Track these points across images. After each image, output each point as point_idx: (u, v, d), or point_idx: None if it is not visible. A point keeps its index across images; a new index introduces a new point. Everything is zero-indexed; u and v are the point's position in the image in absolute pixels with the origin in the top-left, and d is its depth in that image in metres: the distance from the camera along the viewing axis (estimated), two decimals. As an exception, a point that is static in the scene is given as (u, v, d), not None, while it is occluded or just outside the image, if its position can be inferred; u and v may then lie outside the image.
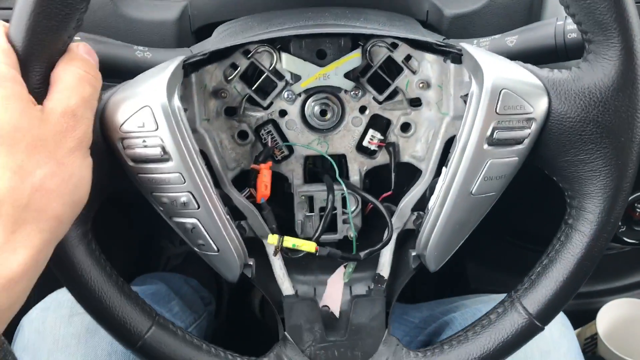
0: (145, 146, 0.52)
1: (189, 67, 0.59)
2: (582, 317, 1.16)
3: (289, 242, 0.60)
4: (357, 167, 0.68)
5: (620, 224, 0.83)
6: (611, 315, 1.14)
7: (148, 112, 0.51)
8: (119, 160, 0.54)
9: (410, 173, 0.68)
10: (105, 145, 0.53)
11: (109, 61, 0.62)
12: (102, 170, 0.54)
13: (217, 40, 0.68)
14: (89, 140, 0.48)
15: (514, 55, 0.60)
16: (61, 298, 0.78)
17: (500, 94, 0.51)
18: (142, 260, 1.40)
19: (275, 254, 0.64)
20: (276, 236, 0.60)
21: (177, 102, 0.53)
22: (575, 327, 0.85)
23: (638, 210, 0.81)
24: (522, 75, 0.53)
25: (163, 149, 0.52)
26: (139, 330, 0.56)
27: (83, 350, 0.73)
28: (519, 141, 0.53)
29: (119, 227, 1.32)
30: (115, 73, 0.61)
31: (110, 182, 0.56)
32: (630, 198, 0.82)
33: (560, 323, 0.81)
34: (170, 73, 0.53)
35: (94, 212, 0.56)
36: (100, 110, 0.52)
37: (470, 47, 0.57)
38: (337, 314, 0.65)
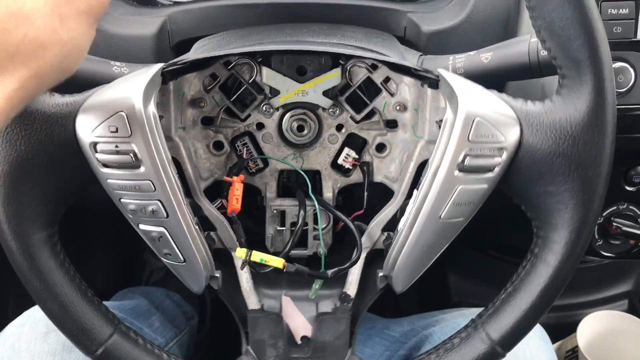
0: (117, 152, 0.52)
1: (168, 75, 0.59)
2: (562, 329, 1.16)
3: (257, 256, 0.59)
4: (330, 184, 0.68)
5: (597, 237, 0.85)
6: (592, 328, 1.15)
7: (122, 118, 0.51)
8: (89, 163, 0.53)
9: (383, 193, 0.68)
10: (77, 147, 0.52)
11: (85, 76, 0.61)
12: (73, 172, 0.54)
13: (196, 54, 0.68)
14: (100, 10, 0.44)
15: (489, 72, 0.61)
16: (37, 315, 0.76)
17: (473, 122, 0.52)
18: (125, 274, 1.39)
19: (242, 267, 0.63)
20: (244, 250, 0.60)
21: (152, 108, 0.53)
22: (555, 340, 0.85)
23: (614, 224, 0.82)
24: (496, 105, 0.54)
25: (135, 155, 0.52)
26: (100, 337, 0.55)
27: None
28: (489, 169, 0.54)
29: (102, 240, 1.31)
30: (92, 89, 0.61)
31: (80, 184, 0.55)
32: (606, 212, 0.83)
33: (538, 337, 0.81)
34: (148, 79, 0.53)
35: (61, 214, 0.55)
36: (75, 113, 0.52)
37: (447, 73, 0.57)
38: (298, 339, 0.64)
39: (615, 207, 0.83)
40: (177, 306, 1.07)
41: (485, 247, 1.24)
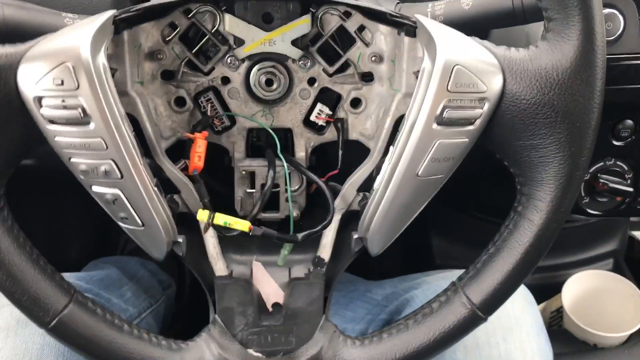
0: (64, 107, 0.47)
1: (121, 24, 0.54)
2: (547, 290, 1.15)
3: (220, 219, 0.55)
4: (303, 143, 0.64)
5: (583, 194, 0.83)
6: (576, 288, 1.14)
7: (68, 69, 0.47)
8: (34, 120, 0.49)
9: (358, 152, 0.64)
10: (20, 103, 0.48)
11: (33, 28, 0.56)
12: (17, 131, 0.49)
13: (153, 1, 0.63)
14: None
15: (470, 19, 0.57)
16: None
17: (452, 70, 0.48)
18: (99, 244, 1.35)
19: (205, 231, 0.60)
20: (206, 212, 0.56)
21: (102, 59, 0.49)
22: (540, 301, 0.84)
23: (601, 181, 0.80)
24: (477, 52, 0.50)
25: (83, 110, 0.47)
26: (53, 308, 0.51)
27: (12, 344, 0.68)
28: (470, 121, 0.50)
29: (74, 210, 1.27)
30: None
31: (25, 144, 0.51)
32: (592, 169, 0.81)
33: (522, 298, 0.80)
34: (97, 27, 0.49)
35: (7, 177, 0.51)
36: (17, 64, 0.47)
37: (425, 19, 0.53)
38: (269, 306, 0.61)
39: (602, 163, 0.81)
40: (152, 275, 1.04)
41: (468, 208, 1.23)
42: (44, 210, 1.19)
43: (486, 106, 0.50)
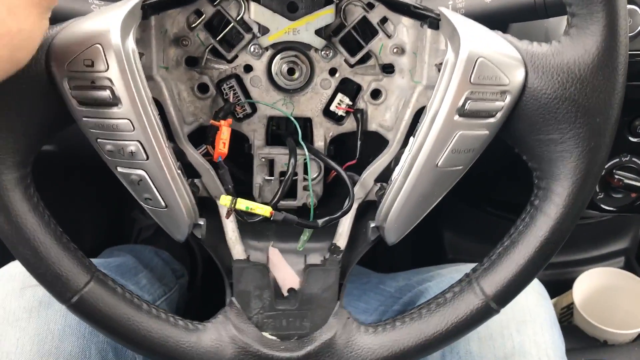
0: (93, 88, 0.48)
1: (149, 9, 0.55)
2: (558, 287, 1.16)
3: (243, 204, 0.56)
4: (322, 133, 0.65)
5: (598, 190, 0.83)
6: (587, 285, 1.15)
7: (98, 51, 0.48)
8: (64, 100, 0.50)
9: (376, 143, 0.65)
10: (50, 83, 0.49)
11: (62, 14, 0.57)
12: (46, 111, 0.51)
13: None
14: (51, 2, 0.43)
15: (491, 12, 0.58)
16: (12, 271, 0.74)
17: (476, 62, 0.49)
18: (113, 233, 1.36)
19: (227, 216, 0.60)
20: (229, 197, 0.57)
21: (131, 43, 0.50)
22: (551, 297, 0.84)
23: (617, 177, 0.80)
24: (500, 45, 0.51)
25: (112, 92, 0.49)
26: (75, 285, 0.52)
27: (35, 324, 0.69)
28: (491, 114, 0.51)
29: (89, 199, 1.28)
30: None
31: (53, 123, 0.52)
32: (608, 165, 0.81)
33: (537, 292, 0.81)
34: (126, 11, 0.50)
35: (34, 155, 0.52)
36: (48, 45, 0.48)
37: (448, 12, 0.54)
38: (285, 291, 0.62)
39: (617, 159, 0.81)
40: (166, 264, 1.06)
41: (481, 203, 1.23)
42: (59, 198, 1.21)
43: (508, 99, 0.50)
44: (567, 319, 1.17)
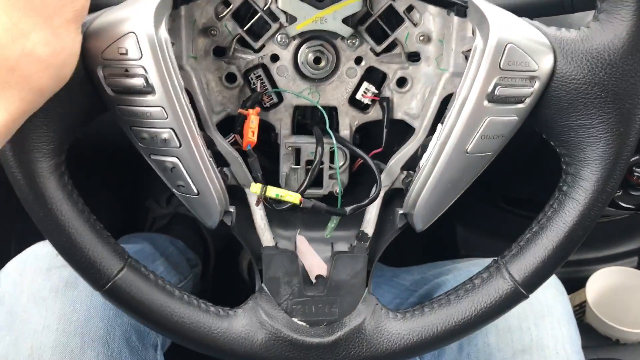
0: (127, 76, 0.49)
1: None
2: (571, 284, 1.15)
3: (272, 191, 0.57)
4: (348, 121, 0.65)
5: None
6: (600, 283, 1.15)
7: (132, 39, 0.48)
8: (98, 89, 0.50)
9: (402, 131, 0.65)
10: (85, 72, 0.50)
11: (93, 4, 0.57)
12: (81, 99, 0.51)
13: None
14: (83, 15, 0.45)
15: (517, 6, 0.58)
16: (39, 251, 0.75)
17: (505, 48, 0.49)
18: (127, 221, 1.37)
19: (257, 203, 0.61)
20: (259, 185, 0.58)
21: (164, 32, 0.50)
22: None
23: (636, 174, 0.79)
24: (529, 31, 0.51)
25: (146, 80, 0.49)
26: (109, 271, 0.53)
27: (60, 304, 0.70)
28: (520, 100, 0.51)
29: (103, 188, 1.29)
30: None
31: (88, 111, 0.53)
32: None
33: (554, 287, 0.81)
34: (158, 1, 0.50)
35: (69, 143, 0.53)
36: (82, 35, 0.49)
37: None
38: (313, 277, 0.62)
39: (637, 157, 0.80)
40: (180, 253, 1.06)
41: (495, 199, 1.22)
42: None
43: (537, 85, 0.51)
44: (579, 317, 1.17)
